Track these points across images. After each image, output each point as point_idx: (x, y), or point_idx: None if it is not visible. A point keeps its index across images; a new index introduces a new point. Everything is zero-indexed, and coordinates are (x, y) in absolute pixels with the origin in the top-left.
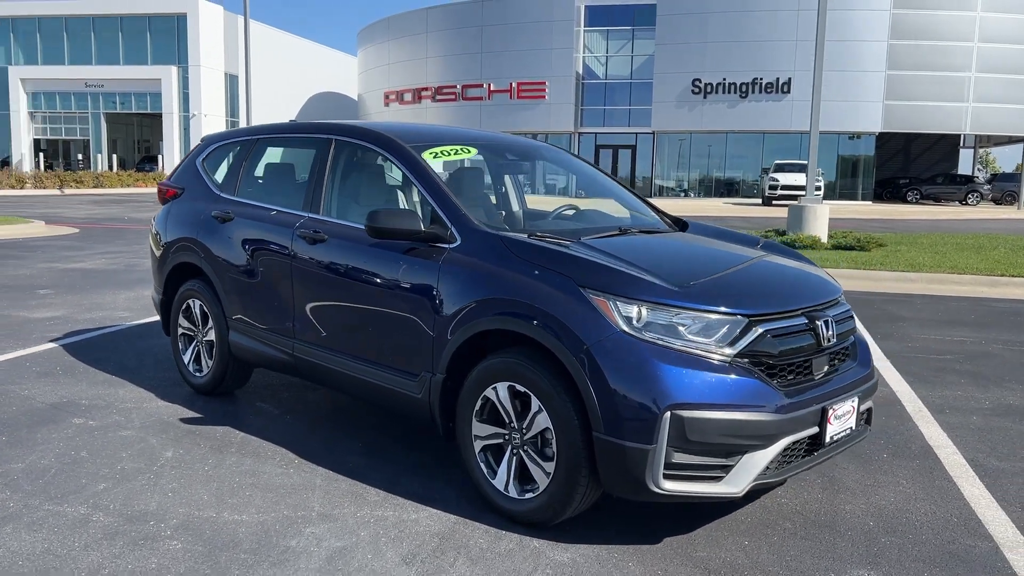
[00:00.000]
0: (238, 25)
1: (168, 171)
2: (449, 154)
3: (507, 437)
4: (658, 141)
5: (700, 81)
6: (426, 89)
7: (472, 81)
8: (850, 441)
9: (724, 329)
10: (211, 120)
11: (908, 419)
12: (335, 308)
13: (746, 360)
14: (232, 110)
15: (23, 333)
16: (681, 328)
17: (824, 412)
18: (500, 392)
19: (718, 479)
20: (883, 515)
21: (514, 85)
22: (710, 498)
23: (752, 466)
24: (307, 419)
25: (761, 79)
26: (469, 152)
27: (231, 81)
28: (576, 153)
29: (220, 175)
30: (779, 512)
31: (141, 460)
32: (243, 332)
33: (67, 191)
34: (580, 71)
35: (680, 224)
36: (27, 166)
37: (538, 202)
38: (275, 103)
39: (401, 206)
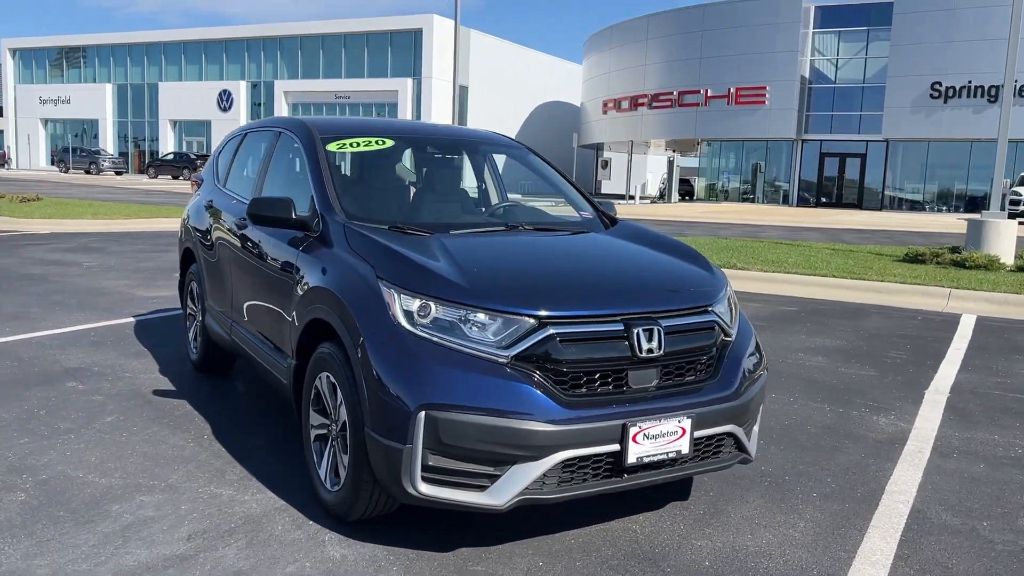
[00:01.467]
0: (470, 38)
1: None
2: (356, 145)
3: (328, 428)
4: (891, 149)
5: (940, 84)
6: (643, 96)
7: (689, 87)
8: (690, 469)
9: (505, 330)
10: None
11: (891, 459)
12: (248, 289)
13: (528, 364)
14: (460, 119)
15: (120, 307)
16: (463, 326)
17: (625, 429)
18: (323, 382)
19: (482, 488)
20: (731, 558)
21: (732, 91)
22: (472, 508)
23: (520, 479)
24: (264, 400)
25: (1017, 82)
26: (383, 144)
27: (460, 92)
28: (536, 152)
29: (222, 167)
30: (610, 536)
31: (80, 422)
32: (212, 315)
33: None
34: (806, 74)
35: (610, 223)
36: None
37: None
38: (501, 113)
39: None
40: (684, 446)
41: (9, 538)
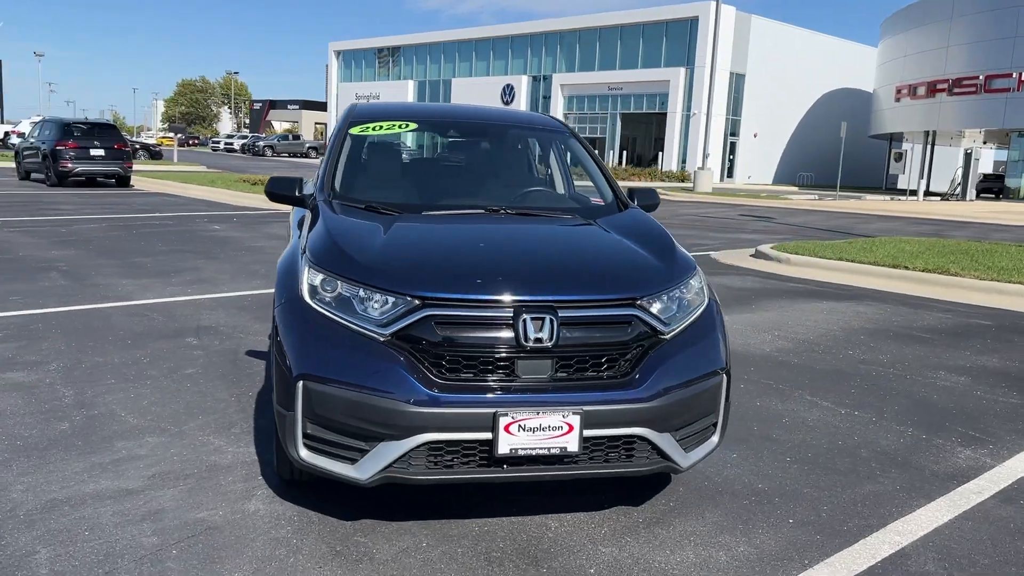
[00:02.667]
0: (750, 25)
1: (668, 168)
2: (379, 128)
3: None
4: None
5: None
6: (942, 82)
7: (999, 71)
8: (590, 469)
9: (387, 309)
10: (712, 119)
11: (929, 496)
12: None
13: (405, 344)
14: (735, 108)
15: None
16: (355, 303)
17: (496, 419)
18: None
19: (352, 461)
20: (626, 570)
21: None
22: (342, 479)
23: (384, 456)
24: None
25: None
26: (406, 127)
27: (736, 80)
28: (578, 137)
29: None
30: (517, 529)
31: (165, 371)
32: None
33: None
34: None
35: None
36: None
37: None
38: (781, 102)
39: None
40: (572, 443)
41: (24, 458)
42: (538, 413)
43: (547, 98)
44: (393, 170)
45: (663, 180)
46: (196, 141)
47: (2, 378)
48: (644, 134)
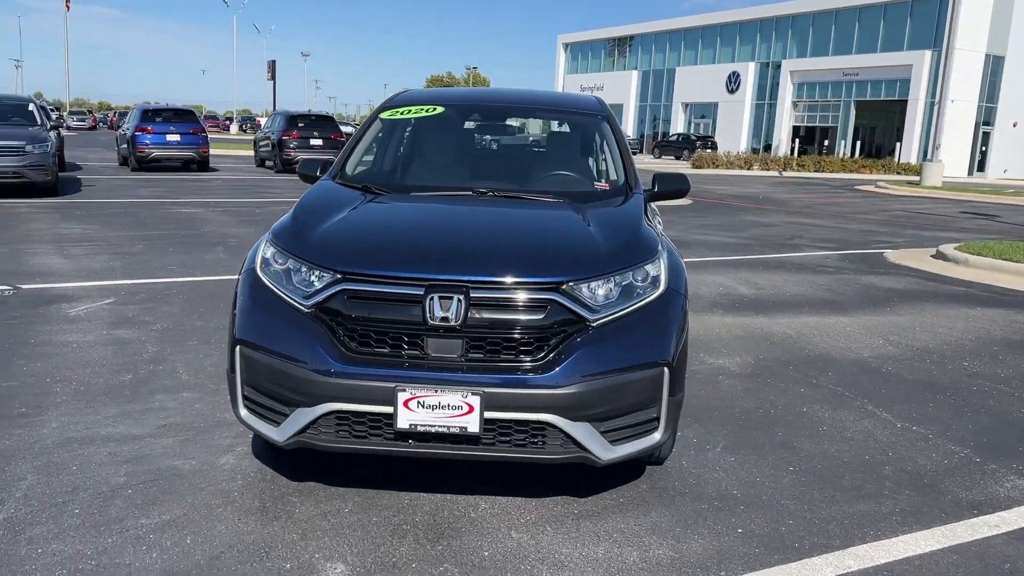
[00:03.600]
0: (1014, 2)
1: (907, 159)
2: (407, 112)
3: None
4: None
5: None
6: None
7: None
8: (498, 452)
9: (312, 282)
10: (959, 106)
11: (926, 524)
12: None
13: (324, 316)
14: (990, 95)
15: None
16: (292, 275)
17: (395, 393)
18: None
19: (276, 424)
20: (519, 558)
21: None
22: (269, 440)
23: (298, 422)
24: None
25: None
26: (432, 111)
27: (992, 63)
28: (612, 122)
29: None
30: (443, 506)
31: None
32: None
33: (787, 173)
34: None
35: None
36: (783, 151)
37: None
38: None
39: None
40: (472, 424)
41: (76, 401)
42: (437, 391)
43: (776, 85)
44: (407, 153)
45: (897, 173)
46: None
47: (111, 334)
48: (884, 123)
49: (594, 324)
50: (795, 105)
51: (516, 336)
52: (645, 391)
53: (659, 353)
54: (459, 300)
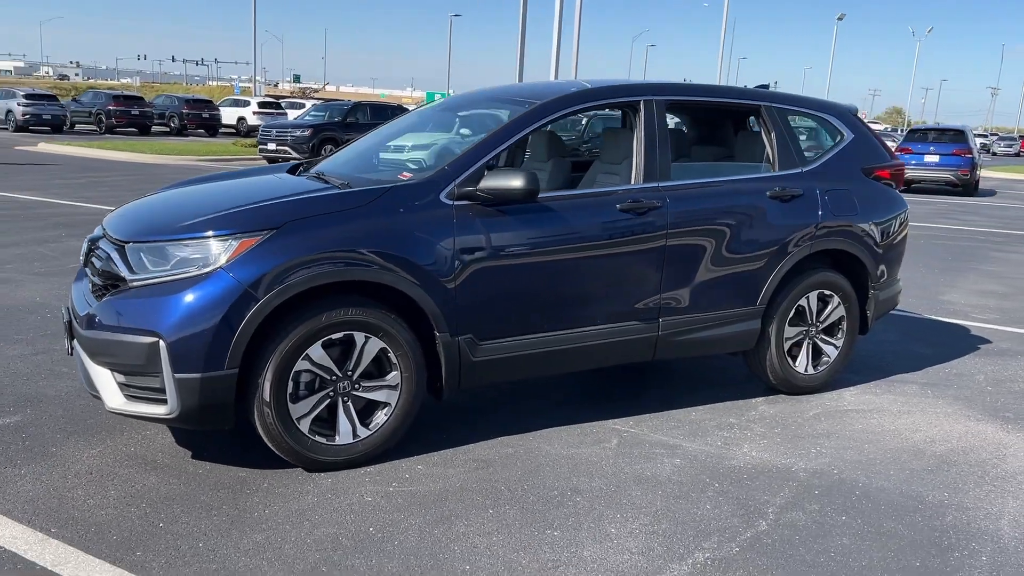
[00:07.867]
0: None
1: None
2: (432, 100)
3: None
4: None
5: None
6: None
7: None
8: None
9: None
10: None
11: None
12: None
13: None
14: None
15: None
16: None
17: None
18: None
19: None
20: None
21: None
22: None
23: None
24: None
25: None
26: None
27: None
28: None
29: None
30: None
31: None
32: None
33: None
34: None
35: None
36: None
37: None
38: None
39: None
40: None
41: None
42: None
43: None
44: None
45: None
46: None
47: None
48: None
49: (131, 285)
50: None
51: (106, 283)
52: (142, 357)
53: (157, 324)
54: (104, 254)
